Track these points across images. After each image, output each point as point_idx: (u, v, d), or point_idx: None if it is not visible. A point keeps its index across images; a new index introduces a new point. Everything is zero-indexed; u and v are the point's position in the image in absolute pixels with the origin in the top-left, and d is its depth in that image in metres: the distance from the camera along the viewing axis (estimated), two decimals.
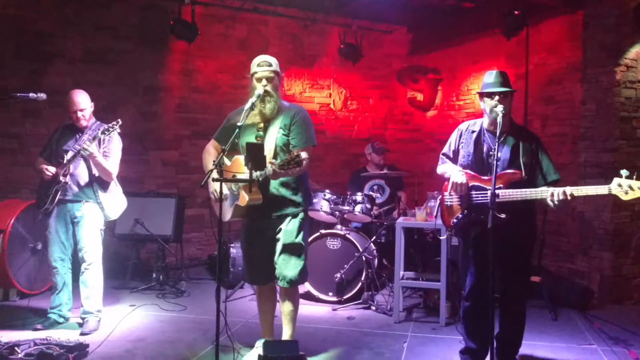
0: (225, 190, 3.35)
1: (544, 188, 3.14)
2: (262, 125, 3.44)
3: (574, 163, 5.55)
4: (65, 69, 6.04)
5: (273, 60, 3.45)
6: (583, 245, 5.41)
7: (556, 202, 3.04)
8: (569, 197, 3.02)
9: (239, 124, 3.22)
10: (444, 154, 3.64)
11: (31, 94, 3.60)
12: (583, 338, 4.23)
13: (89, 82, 5.95)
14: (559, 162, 5.27)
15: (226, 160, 3.43)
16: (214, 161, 3.20)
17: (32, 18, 5.90)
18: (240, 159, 3.35)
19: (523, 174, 3.22)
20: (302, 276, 3.50)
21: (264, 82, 3.38)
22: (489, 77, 3.34)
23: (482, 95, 3.35)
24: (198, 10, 6.06)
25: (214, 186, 3.28)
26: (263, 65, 3.40)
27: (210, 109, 6.75)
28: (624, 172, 2.89)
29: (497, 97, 3.26)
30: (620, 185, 2.90)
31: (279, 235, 3.45)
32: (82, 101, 4.22)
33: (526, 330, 3.51)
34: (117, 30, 6.29)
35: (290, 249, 3.44)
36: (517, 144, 3.29)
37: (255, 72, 3.41)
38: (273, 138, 3.39)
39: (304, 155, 3.08)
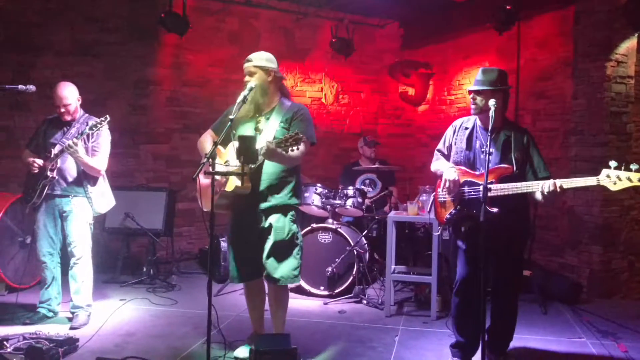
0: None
1: (535, 182, 3.17)
2: (261, 119, 3.45)
3: (564, 158, 5.58)
4: (53, 62, 5.98)
5: (255, 55, 3.49)
6: (573, 240, 5.44)
7: (546, 195, 3.06)
8: (558, 190, 3.04)
9: (230, 117, 3.22)
10: (438, 150, 3.65)
11: (20, 86, 3.55)
12: (572, 331, 4.26)
13: (78, 75, 5.91)
14: (549, 157, 5.30)
15: (221, 148, 3.43)
16: (206, 154, 3.18)
17: (19, 10, 5.82)
18: (229, 147, 3.37)
19: (514, 168, 3.24)
20: (295, 275, 3.43)
21: (247, 77, 3.46)
22: (477, 74, 3.39)
23: (470, 92, 3.42)
24: (189, 3, 5.99)
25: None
26: (246, 61, 3.49)
27: (201, 102, 6.70)
28: (612, 163, 2.94)
29: (481, 95, 3.31)
30: (608, 176, 2.95)
31: (269, 234, 3.39)
32: (68, 95, 4.15)
33: (516, 324, 3.53)
34: (106, 22, 6.23)
35: (280, 248, 3.39)
36: (509, 140, 3.32)
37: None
38: (272, 130, 3.38)
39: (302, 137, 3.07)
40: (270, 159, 3.24)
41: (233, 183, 3.22)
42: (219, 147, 3.35)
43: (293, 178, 3.49)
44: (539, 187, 3.09)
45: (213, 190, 3.10)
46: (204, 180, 3.25)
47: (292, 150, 3.02)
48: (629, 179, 2.91)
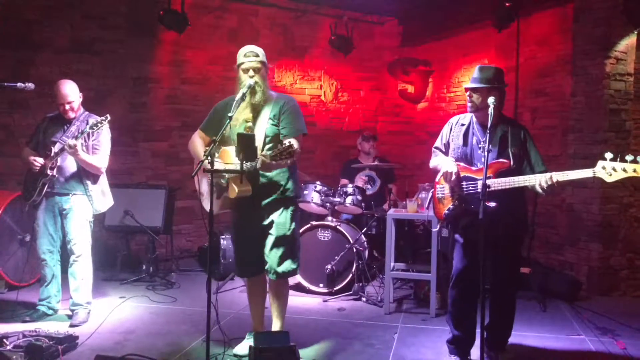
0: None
1: (531, 175, 3.19)
2: (251, 116, 3.42)
3: (563, 155, 5.58)
4: (52, 59, 5.97)
5: (259, 50, 3.43)
6: (572, 237, 5.44)
7: (545, 188, 3.09)
8: (555, 184, 3.07)
9: (230, 114, 3.19)
10: (436, 148, 3.65)
11: (19, 84, 3.54)
12: (571, 328, 4.27)
13: (77, 72, 5.91)
14: (548, 154, 5.31)
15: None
16: (204, 151, 3.17)
17: (18, 6, 5.80)
18: (229, 150, 3.32)
19: (512, 163, 3.26)
20: (294, 269, 3.50)
21: (251, 72, 3.36)
22: (474, 72, 3.40)
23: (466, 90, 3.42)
24: (188, 0, 6.00)
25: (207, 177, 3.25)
26: (250, 55, 3.38)
27: (200, 100, 6.70)
28: (608, 155, 2.97)
29: (477, 92, 3.31)
30: (604, 168, 2.98)
31: (271, 229, 3.43)
32: (71, 93, 4.15)
33: (515, 321, 3.54)
34: (105, 20, 6.22)
35: (282, 242, 3.43)
36: (506, 135, 3.34)
37: (242, 63, 3.39)
38: (262, 129, 3.37)
39: (295, 145, 3.08)
40: (268, 171, 3.28)
41: (235, 189, 3.21)
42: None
43: (290, 172, 3.49)
44: (536, 181, 3.12)
45: (212, 189, 3.09)
46: (204, 185, 3.25)
47: (287, 162, 3.04)
48: (624, 170, 2.94)
